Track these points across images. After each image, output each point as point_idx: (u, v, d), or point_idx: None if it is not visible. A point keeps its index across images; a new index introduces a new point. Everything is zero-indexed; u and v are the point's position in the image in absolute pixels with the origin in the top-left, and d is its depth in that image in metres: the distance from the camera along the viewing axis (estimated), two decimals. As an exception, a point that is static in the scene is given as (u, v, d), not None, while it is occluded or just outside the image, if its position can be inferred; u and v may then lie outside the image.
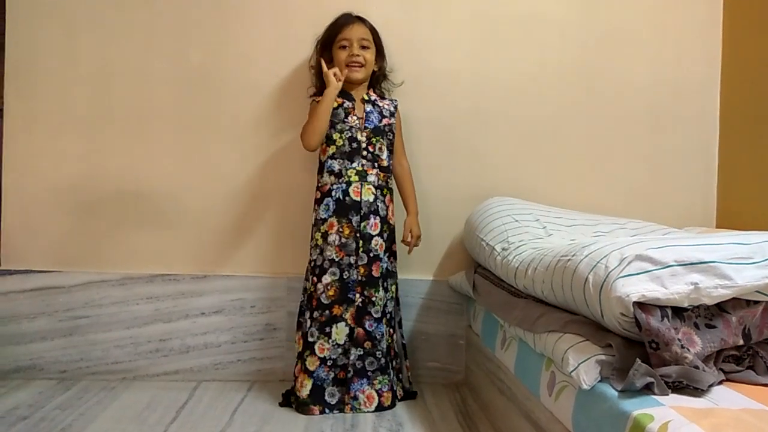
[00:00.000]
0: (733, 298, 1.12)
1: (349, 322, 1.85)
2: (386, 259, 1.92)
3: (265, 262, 2.14)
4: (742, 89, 2.12)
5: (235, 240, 2.13)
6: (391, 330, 1.95)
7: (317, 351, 1.85)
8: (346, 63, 1.91)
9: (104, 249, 2.11)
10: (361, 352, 1.86)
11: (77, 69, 2.09)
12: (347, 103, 1.94)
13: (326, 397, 1.84)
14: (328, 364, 1.85)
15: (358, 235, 1.87)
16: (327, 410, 1.83)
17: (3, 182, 2.09)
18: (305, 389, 1.83)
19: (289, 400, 1.89)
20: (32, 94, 2.08)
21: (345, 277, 1.86)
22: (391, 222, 1.95)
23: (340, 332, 1.85)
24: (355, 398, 1.84)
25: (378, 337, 1.87)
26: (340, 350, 1.86)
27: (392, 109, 2.00)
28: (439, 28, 2.16)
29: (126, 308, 2.08)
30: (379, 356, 1.87)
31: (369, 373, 1.86)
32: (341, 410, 1.84)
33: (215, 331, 2.10)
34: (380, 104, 1.99)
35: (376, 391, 1.86)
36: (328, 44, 1.96)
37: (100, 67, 2.10)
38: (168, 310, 2.09)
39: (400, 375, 1.99)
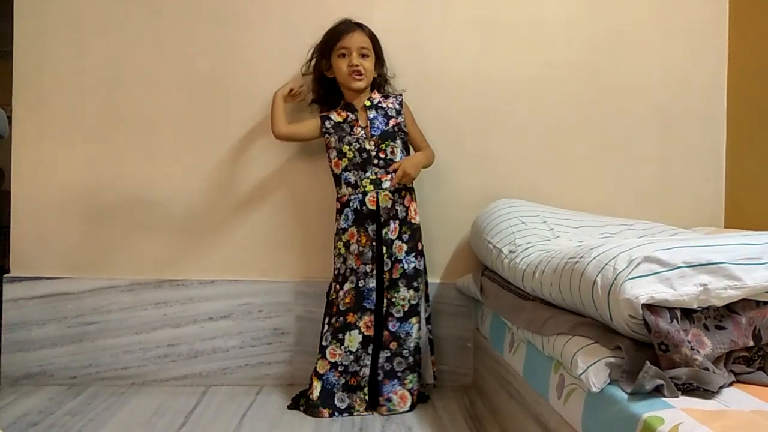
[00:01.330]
0: (743, 299, 1.11)
1: (363, 330, 1.86)
2: (412, 259, 1.91)
3: (272, 266, 2.14)
4: (749, 89, 2.11)
5: (243, 245, 2.13)
6: (425, 329, 1.97)
7: (328, 356, 1.87)
8: (347, 73, 1.91)
9: (113, 255, 2.12)
10: (389, 354, 1.87)
11: (85, 77, 2.11)
12: (350, 116, 1.95)
13: (336, 401, 1.85)
14: (339, 369, 1.86)
15: (374, 243, 1.89)
16: (336, 413, 1.83)
17: (12, 190, 2.11)
18: (316, 391, 1.85)
19: (298, 403, 1.90)
20: (41, 102, 2.10)
21: (360, 285, 1.87)
22: (413, 222, 1.94)
23: (353, 339, 1.86)
24: (389, 400, 1.85)
25: (402, 336, 1.88)
26: (352, 357, 1.86)
27: (397, 106, 1.99)
28: (445, 31, 2.16)
29: (134, 314, 2.09)
30: (407, 355, 1.89)
31: (399, 374, 1.88)
32: (350, 414, 1.84)
33: (223, 335, 2.11)
34: (384, 105, 1.98)
35: (408, 390, 1.88)
36: (327, 51, 1.95)
37: (109, 75, 2.11)
38: (176, 316, 2.10)
39: (421, 371, 1.97)
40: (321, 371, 1.87)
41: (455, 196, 2.16)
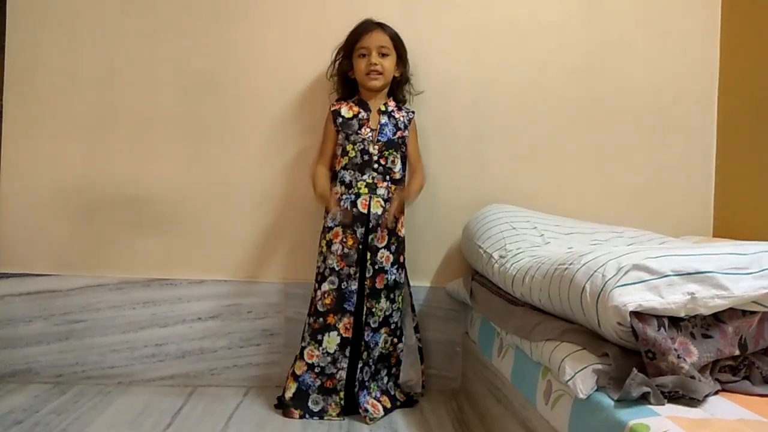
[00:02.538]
0: (730, 309, 1.12)
1: (342, 332, 1.85)
2: (394, 271, 1.92)
3: (262, 267, 2.13)
4: (739, 98, 2.13)
5: (233, 245, 2.13)
6: (395, 339, 1.95)
7: (306, 357, 1.87)
8: (365, 72, 1.91)
9: (102, 253, 2.10)
10: (361, 364, 1.87)
11: (78, 73, 2.09)
12: (362, 114, 1.95)
13: (309, 404, 1.85)
14: (316, 371, 1.86)
15: (360, 247, 1.88)
16: (308, 416, 1.83)
17: (2, 186, 2.09)
18: (289, 392, 1.85)
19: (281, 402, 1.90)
20: (32, 98, 2.08)
21: (343, 287, 1.86)
22: (399, 234, 1.95)
23: (331, 341, 1.85)
24: (366, 410, 1.83)
25: (372, 345, 1.89)
26: (329, 359, 1.85)
27: (407, 121, 1.99)
28: (439, 35, 2.16)
29: (122, 313, 2.08)
30: (371, 364, 1.90)
31: (366, 383, 1.89)
32: (321, 418, 1.84)
33: (212, 336, 2.10)
34: (396, 116, 1.98)
35: (374, 398, 1.88)
36: (348, 52, 1.96)
37: (102, 72, 2.10)
38: (164, 315, 2.09)
39: (398, 381, 1.97)
40: (298, 372, 1.87)
41: (447, 200, 2.16)
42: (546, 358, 1.26)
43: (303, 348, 1.88)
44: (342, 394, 1.86)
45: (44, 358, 2.06)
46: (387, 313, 1.91)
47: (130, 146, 2.11)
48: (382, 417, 1.86)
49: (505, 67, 2.18)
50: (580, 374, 1.10)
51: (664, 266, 1.09)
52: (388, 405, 1.90)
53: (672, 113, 2.22)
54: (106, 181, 2.10)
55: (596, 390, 1.09)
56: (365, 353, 1.88)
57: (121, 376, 2.08)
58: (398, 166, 1.95)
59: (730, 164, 2.17)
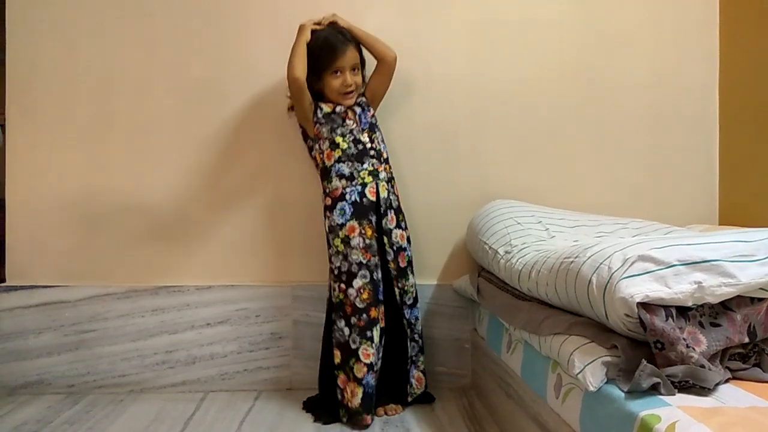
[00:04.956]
0: (738, 296, 1.12)
1: (380, 323, 1.85)
2: (408, 248, 1.96)
3: (269, 271, 2.14)
4: (740, 86, 2.13)
5: (239, 250, 2.13)
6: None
7: (362, 357, 1.80)
8: (339, 91, 1.89)
9: (109, 262, 2.11)
10: (407, 340, 1.92)
11: (79, 83, 2.11)
12: (339, 107, 1.92)
13: (375, 406, 1.85)
14: (375, 369, 1.82)
15: (376, 234, 1.88)
16: (373, 418, 1.82)
17: (7, 199, 2.10)
18: (356, 398, 1.78)
19: (313, 407, 1.89)
20: (34, 109, 2.10)
21: (375, 278, 1.85)
22: (402, 209, 1.98)
23: (377, 334, 1.83)
24: (410, 385, 1.91)
25: (414, 321, 1.94)
26: (378, 354, 1.84)
27: (365, 99, 1.97)
28: (437, 34, 2.16)
29: (131, 321, 2.09)
30: (417, 338, 1.94)
31: (413, 358, 1.93)
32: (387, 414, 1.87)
33: (221, 341, 2.11)
34: (360, 101, 1.96)
35: (422, 371, 1.95)
36: (319, 70, 1.87)
37: (102, 81, 2.11)
38: (173, 322, 2.10)
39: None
40: (359, 375, 1.79)
41: (450, 198, 2.16)
42: (555, 352, 1.26)
43: (355, 350, 1.80)
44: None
45: (55, 368, 2.07)
46: (413, 289, 1.95)
47: (132, 154, 2.12)
48: (419, 395, 1.92)
49: (504, 64, 2.18)
50: (590, 367, 1.10)
51: (670, 256, 1.09)
52: (422, 386, 1.95)
53: (674, 104, 2.21)
54: (110, 190, 2.11)
55: (606, 382, 1.09)
56: (409, 330, 1.92)
57: (132, 384, 2.09)
58: (383, 146, 1.95)
59: (734, 151, 2.16)
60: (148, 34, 2.12)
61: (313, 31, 1.88)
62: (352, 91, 1.90)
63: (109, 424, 1.81)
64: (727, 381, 1.07)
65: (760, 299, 1.14)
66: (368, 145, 1.90)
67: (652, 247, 1.11)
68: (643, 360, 1.03)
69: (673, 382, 1.01)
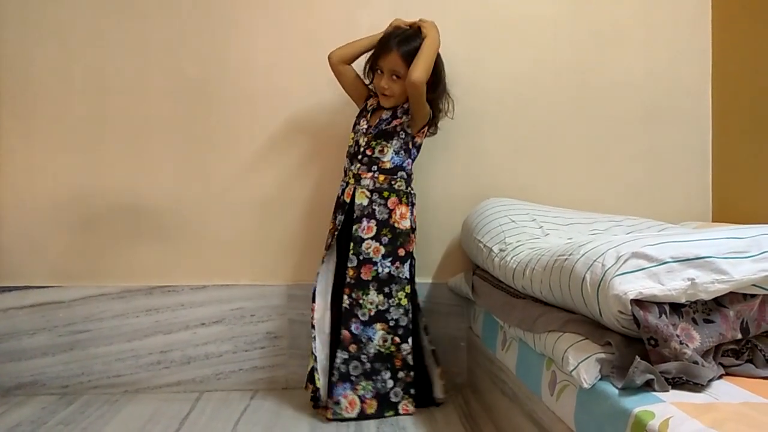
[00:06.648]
0: (730, 293, 1.12)
1: (312, 320, 1.88)
2: (388, 264, 1.85)
3: (264, 270, 2.14)
4: (733, 84, 2.13)
5: (233, 250, 2.13)
6: (397, 338, 1.86)
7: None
8: (379, 90, 1.91)
9: (103, 263, 2.11)
10: (347, 356, 1.82)
11: (73, 84, 2.10)
12: (370, 105, 1.96)
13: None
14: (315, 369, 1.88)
15: (335, 234, 1.89)
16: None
17: (1, 199, 2.09)
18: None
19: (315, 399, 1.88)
20: (28, 110, 2.09)
21: (320, 272, 1.91)
22: (397, 226, 1.87)
23: (313, 330, 1.91)
24: (338, 403, 1.80)
25: (364, 340, 1.83)
26: (315, 353, 1.89)
27: (406, 106, 1.91)
28: (431, 31, 2.16)
29: (126, 321, 2.08)
30: (365, 360, 1.83)
31: (353, 378, 1.82)
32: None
33: (216, 341, 2.10)
34: (399, 110, 1.92)
35: (359, 396, 1.82)
36: (372, 64, 1.92)
37: (96, 82, 2.10)
38: (168, 322, 2.09)
39: (411, 387, 1.88)
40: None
41: (445, 196, 2.16)
42: (549, 350, 1.26)
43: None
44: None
45: (50, 369, 2.06)
46: (381, 308, 1.85)
47: (126, 155, 2.11)
48: (351, 420, 1.80)
49: (498, 62, 2.18)
50: (584, 364, 1.10)
51: (663, 253, 1.09)
52: (370, 411, 1.82)
53: (667, 102, 2.22)
54: (104, 190, 2.10)
55: (600, 379, 1.09)
56: (354, 346, 1.82)
57: (127, 384, 2.08)
58: (388, 156, 1.89)
59: (727, 149, 2.17)
60: (142, 35, 2.11)
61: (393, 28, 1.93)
62: (384, 95, 1.90)
63: (104, 424, 1.80)
64: (720, 377, 1.07)
65: (753, 296, 1.14)
66: (362, 149, 1.90)
67: (645, 244, 1.12)
68: (637, 357, 1.03)
69: (666, 379, 1.01)
